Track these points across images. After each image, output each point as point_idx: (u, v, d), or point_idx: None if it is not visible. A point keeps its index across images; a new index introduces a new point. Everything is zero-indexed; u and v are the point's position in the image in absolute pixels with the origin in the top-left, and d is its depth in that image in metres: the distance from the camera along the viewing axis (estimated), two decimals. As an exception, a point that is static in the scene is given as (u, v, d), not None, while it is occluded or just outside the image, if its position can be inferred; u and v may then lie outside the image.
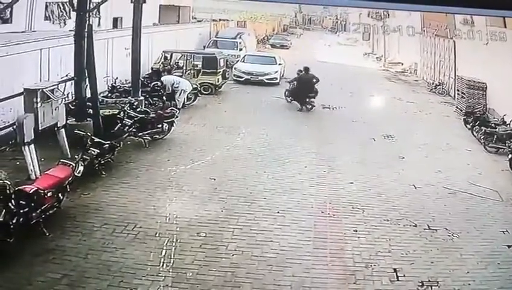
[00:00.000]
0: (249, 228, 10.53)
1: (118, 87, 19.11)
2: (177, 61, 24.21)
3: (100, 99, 15.93)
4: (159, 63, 24.37)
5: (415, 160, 15.00)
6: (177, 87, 20.15)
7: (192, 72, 23.78)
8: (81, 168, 11.53)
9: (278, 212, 11.09)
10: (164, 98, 19.67)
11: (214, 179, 12.63)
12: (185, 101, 20.54)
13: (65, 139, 13.23)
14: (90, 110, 14.54)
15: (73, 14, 15.54)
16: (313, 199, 11.93)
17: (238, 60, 30.05)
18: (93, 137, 12.88)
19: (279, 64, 29.23)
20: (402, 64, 29.88)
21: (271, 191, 12.19)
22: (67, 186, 10.65)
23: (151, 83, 20.27)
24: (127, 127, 14.58)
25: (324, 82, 29.87)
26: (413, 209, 11.60)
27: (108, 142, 13.04)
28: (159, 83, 20.29)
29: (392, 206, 11.79)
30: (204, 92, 23.03)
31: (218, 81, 23.71)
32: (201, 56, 24.51)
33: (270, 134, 17.12)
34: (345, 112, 21.67)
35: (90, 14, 14.99)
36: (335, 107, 22.28)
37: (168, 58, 24.59)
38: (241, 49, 33.93)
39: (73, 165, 11.23)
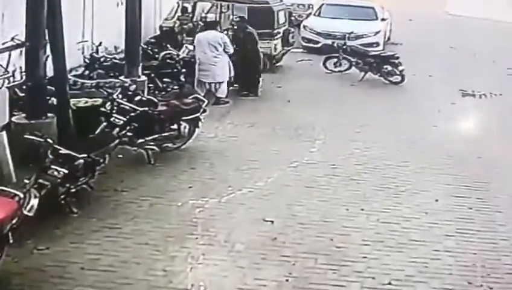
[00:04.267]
0: (338, 312, 10.63)
1: (102, 59, 19.28)
2: (204, 15, 24.36)
3: (71, 81, 16.40)
4: (172, 18, 24.48)
5: None
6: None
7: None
8: (34, 201, 11.25)
9: (390, 283, 10.68)
10: (182, 77, 19.58)
11: (272, 222, 12.44)
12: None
13: (7, 149, 13.24)
14: (53, 100, 14.59)
15: None
16: (452, 259, 11.53)
17: (310, 14, 30.04)
18: (57, 146, 12.64)
19: (382, 19, 29.13)
20: None
21: (375, 245, 11.87)
22: (9, 234, 10.32)
23: (159, 53, 20.33)
24: (117, 129, 14.56)
25: (462, 51, 29.80)
26: None
27: (85, 155, 12.80)
28: (175, 52, 20.25)
29: None
30: (253, 69, 22.98)
31: (275, 50, 23.97)
32: (246, 7, 24.66)
33: (368, 140, 17.55)
34: (502, 102, 21.70)
35: None
36: (484, 93, 22.16)
37: (189, 10, 24.75)
38: (315, -5, 33.97)
39: (21, 196, 10.94)
